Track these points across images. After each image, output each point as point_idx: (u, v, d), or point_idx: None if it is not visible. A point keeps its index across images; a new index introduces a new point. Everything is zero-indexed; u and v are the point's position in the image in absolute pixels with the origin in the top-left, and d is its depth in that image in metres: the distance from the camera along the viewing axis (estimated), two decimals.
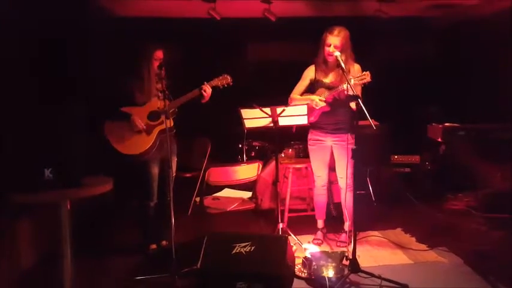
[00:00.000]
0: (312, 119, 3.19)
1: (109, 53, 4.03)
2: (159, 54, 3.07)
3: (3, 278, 2.56)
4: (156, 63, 3.05)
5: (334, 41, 3.00)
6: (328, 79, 3.16)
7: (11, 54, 2.93)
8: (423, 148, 4.75)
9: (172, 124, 3.08)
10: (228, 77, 3.12)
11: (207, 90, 3.07)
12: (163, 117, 3.03)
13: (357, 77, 2.82)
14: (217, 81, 3.11)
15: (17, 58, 3.01)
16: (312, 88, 3.23)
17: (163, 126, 3.02)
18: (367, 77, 2.79)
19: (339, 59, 2.87)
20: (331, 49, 3.01)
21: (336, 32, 3.01)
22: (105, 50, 4.12)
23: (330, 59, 3.07)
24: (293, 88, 3.27)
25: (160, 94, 3.03)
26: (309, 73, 3.24)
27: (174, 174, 3.17)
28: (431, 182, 4.63)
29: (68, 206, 2.35)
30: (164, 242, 3.27)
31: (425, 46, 5.27)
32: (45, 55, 3.33)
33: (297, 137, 3.95)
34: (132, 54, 3.17)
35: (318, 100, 3.08)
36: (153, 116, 3.07)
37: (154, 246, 3.25)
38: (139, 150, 3.03)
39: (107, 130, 3.03)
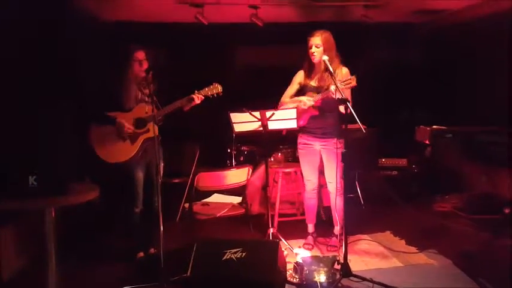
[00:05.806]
0: (301, 122, 3.20)
1: (96, 58, 3.96)
2: (140, 55, 2.99)
3: None
4: (136, 65, 2.99)
5: (315, 41, 3.08)
6: (315, 82, 3.19)
7: None
8: (410, 151, 4.79)
9: (157, 132, 3.02)
10: (219, 86, 3.06)
11: (197, 100, 3.01)
12: (149, 125, 2.97)
13: (343, 81, 2.84)
14: (207, 91, 3.04)
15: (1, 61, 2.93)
16: (301, 92, 3.25)
17: (148, 135, 2.97)
18: (353, 81, 2.82)
19: (327, 63, 2.89)
20: (313, 49, 3.08)
21: (316, 34, 3.09)
22: (92, 54, 4.05)
23: (314, 60, 3.11)
24: (283, 92, 3.29)
25: (147, 99, 2.98)
26: (298, 78, 3.28)
27: (160, 180, 3.12)
28: (418, 185, 4.67)
29: (53, 214, 2.28)
30: (152, 250, 3.20)
31: (412, 50, 5.34)
32: (32, 57, 3.25)
33: (285, 141, 3.94)
34: (114, 57, 3.10)
35: (306, 100, 3.10)
36: (139, 123, 3.00)
37: (141, 254, 3.17)
38: (123, 159, 2.96)
39: (91, 136, 2.96)
